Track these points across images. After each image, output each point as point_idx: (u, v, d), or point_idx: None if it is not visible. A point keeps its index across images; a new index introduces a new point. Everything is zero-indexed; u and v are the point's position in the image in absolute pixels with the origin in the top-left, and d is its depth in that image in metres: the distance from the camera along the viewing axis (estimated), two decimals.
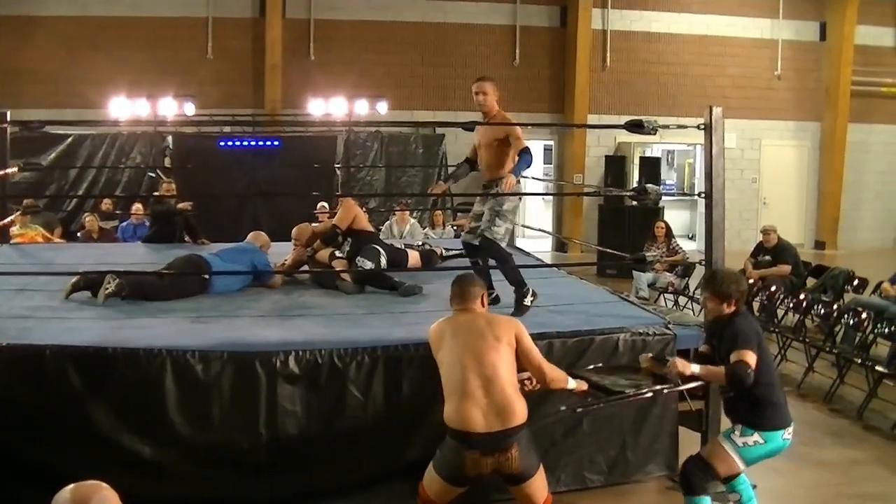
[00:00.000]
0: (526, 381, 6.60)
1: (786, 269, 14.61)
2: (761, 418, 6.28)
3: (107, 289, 8.54)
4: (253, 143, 19.77)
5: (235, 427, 7.06)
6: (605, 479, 7.79)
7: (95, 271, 8.94)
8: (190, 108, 19.59)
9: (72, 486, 3.23)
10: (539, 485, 6.22)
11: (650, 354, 7.01)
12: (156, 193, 14.82)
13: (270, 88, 21.59)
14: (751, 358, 6.12)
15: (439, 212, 18.83)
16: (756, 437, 6.27)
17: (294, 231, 10.66)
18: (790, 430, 6.34)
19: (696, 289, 14.07)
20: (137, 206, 16.51)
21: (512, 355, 6.29)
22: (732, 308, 6.46)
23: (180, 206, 13.71)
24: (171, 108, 19.33)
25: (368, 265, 9.72)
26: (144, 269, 9.45)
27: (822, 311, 12.09)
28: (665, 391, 6.75)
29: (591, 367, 7.28)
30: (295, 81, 21.58)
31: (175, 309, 8.49)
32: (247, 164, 18.73)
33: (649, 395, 6.73)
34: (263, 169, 18.75)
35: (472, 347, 6.21)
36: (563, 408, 6.49)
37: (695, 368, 6.34)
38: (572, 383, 6.58)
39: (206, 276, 9.16)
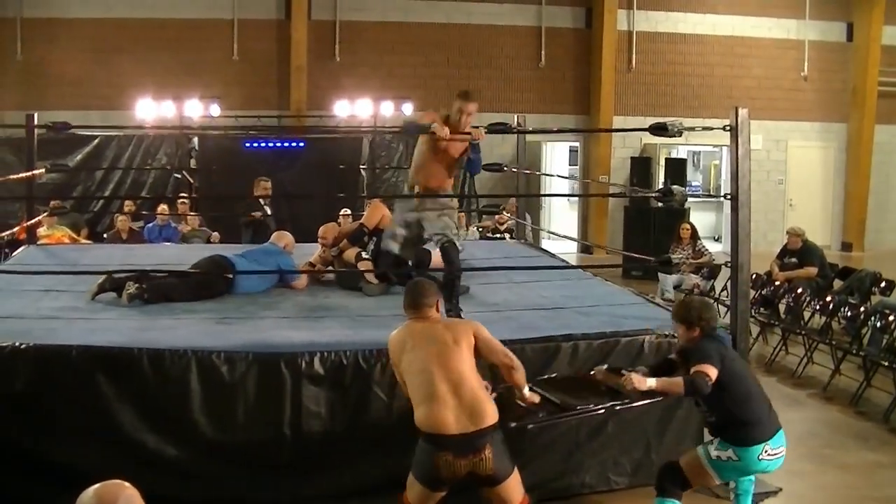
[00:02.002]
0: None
1: (812, 270, 14.54)
2: (734, 434, 6.35)
3: (128, 290, 8.58)
4: (278, 144, 19.79)
5: (260, 428, 7.08)
6: (629, 480, 7.77)
7: (122, 271, 8.96)
8: (215, 110, 19.64)
9: (96, 485, 3.23)
10: (514, 487, 6.19)
11: (605, 366, 7.00)
12: (256, 194, 14.85)
13: (296, 90, 21.65)
14: (710, 370, 6.23)
15: (462, 213, 18.81)
16: (730, 452, 6.34)
17: (321, 230, 10.66)
18: (773, 449, 6.32)
19: (721, 290, 14.03)
20: (163, 207, 16.57)
21: (472, 356, 6.28)
22: (696, 333, 6.57)
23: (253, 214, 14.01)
24: (197, 109, 19.38)
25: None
26: (170, 269, 9.47)
27: (849, 313, 12.01)
28: (618, 408, 6.76)
29: (548, 377, 7.18)
30: (320, 83, 21.63)
31: (200, 310, 8.52)
32: (272, 165, 18.76)
33: (600, 411, 6.77)
34: (288, 170, 18.77)
35: (435, 354, 6.18)
36: (512, 424, 6.41)
37: (651, 382, 6.38)
38: (527, 391, 6.56)
39: (231, 277, 9.18)
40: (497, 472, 6.04)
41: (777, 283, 13.95)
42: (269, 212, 14.79)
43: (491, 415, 6.04)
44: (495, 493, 6.17)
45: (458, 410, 5.98)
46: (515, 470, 6.21)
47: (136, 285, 8.61)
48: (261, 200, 14.81)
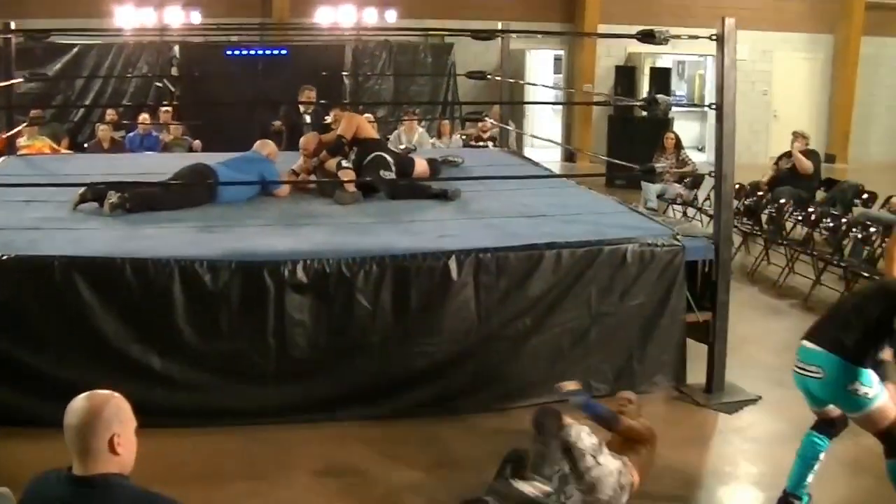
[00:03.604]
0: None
1: (809, 166, 14.53)
2: None
3: (110, 199, 8.52)
4: (260, 52, 19.62)
5: (244, 336, 7.12)
6: (610, 388, 7.81)
7: (103, 182, 8.90)
8: (197, 17, 19.40)
9: (84, 395, 3.25)
10: None
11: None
12: (300, 101, 14.72)
13: None
14: None
15: (447, 121, 18.76)
16: None
17: (302, 141, 10.65)
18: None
19: (704, 200, 14.04)
20: (144, 117, 16.44)
21: None
22: None
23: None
24: (178, 17, 19.14)
25: (390, 175, 9.72)
26: (152, 178, 9.42)
27: (831, 224, 12.07)
28: None
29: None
30: None
31: (183, 219, 8.48)
32: (254, 73, 18.61)
33: None
34: (271, 78, 18.61)
35: None
36: None
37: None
38: None
39: (214, 185, 9.14)
40: None
41: (759, 193, 13.98)
42: (308, 120, 14.60)
43: None
44: None
45: None
46: None
47: (119, 194, 8.56)
48: (301, 108, 14.67)
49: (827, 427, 5.96)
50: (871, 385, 5.49)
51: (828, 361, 5.57)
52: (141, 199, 8.73)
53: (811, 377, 5.69)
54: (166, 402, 6.86)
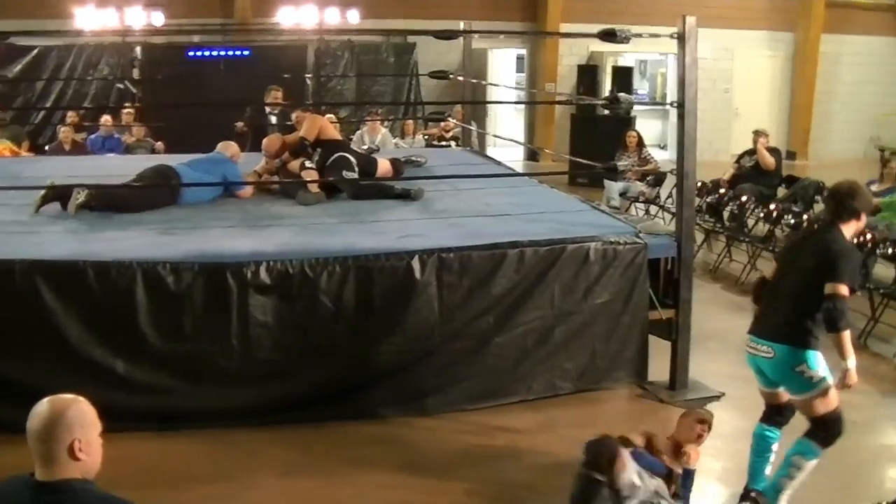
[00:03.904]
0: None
1: (772, 162, 14.60)
2: None
3: (77, 198, 8.47)
4: (222, 52, 19.54)
5: (207, 339, 7.08)
6: (574, 385, 7.86)
7: (65, 184, 8.85)
8: (158, 18, 19.30)
9: (47, 399, 3.24)
10: None
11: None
12: (266, 102, 14.65)
13: None
14: None
15: (410, 121, 18.77)
16: None
17: (264, 142, 10.62)
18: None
19: (667, 198, 14.10)
20: (106, 118, 16.34)
21: None
22: None
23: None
24: (140, 18, 19.03)
25: (352, 175, 9.73)
26: (115, 180, 9.37)
27: (792, 220, 12.13)
28: None
29: None
30: None
31: (145, 221, 8.43)
32: (216, 73, 18.54)
33: None
34: (233, 79, 18.54)
35: None
36: None
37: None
38: None
39: (178, 187, 9.11)
40: None
41: (721, 191, 14.05)
42: (273, 121, 14.54)
43: None
44: None
45: None
46: None
47: (86, 191, 8.50)
48: (267, 108, 14.61)
49: (776, 416, 6.13)
50: (817, 368, 5.69)
51: (776, 345, 5.80)
52: (106, 200, 8.69)
53: (762, 356, 5.91)
54: (131, 406, 6.81)
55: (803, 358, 5.70)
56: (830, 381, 5.74)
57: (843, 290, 5.58)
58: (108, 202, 8.69)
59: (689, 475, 5.93)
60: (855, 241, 9.98)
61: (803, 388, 5.77)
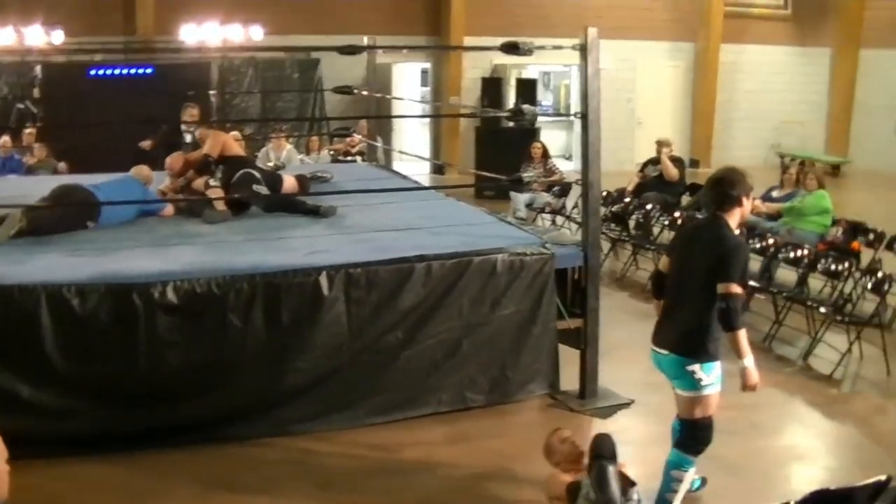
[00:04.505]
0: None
1: (675, 172, 14.79)
2: None
3: (19, 224, 8.28)
4: (125, 71, 19.31)
5: (115, 360, 7.00)
6: (486, 398, 7.90)
7: None
8: (59, 36, 19.01)
9: None
10: None
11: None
12: (183, 120, 14.41)
13: (142, 13, 21.05)
14: None
15: (315, 137, 18.72)
16: None
17: (167, 161, 10.56)
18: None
19: (573, 208, 14.21)
20: (5, 139, 16.06)
21: None
22: None
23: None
24: (40, 36, 18.74)
25: (263, 189, 9.69)
26: (19, 202, 9.20)
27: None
28: None
29: None
30: (168, 6, 21.05)
31: (53, 242, 8.29)
32: (119, 92, 18.32)
33: None
34: (137, 97, 18.33)
35: None
36: None
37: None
38: None
39: (95, 209, 8.93)
40: None
41: (627, 200, 14.19)
42: (188, 139, 14.33)
43: None
44: None
45: None
46: None
47: (23, 218, 8.32)
48: (182, 126, 14.43)
49: None
50: (708, 374, 5.85)
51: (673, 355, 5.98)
52: (36, 224, 8.51)
53: (660, 353, 6.06)
54: (38, 431, 6.70)
55: (698, 361, 5.84)
56: (716, 390, 5.89)
57: (736, 288, 5.69)
58: (37, 226, 8.51)
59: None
60: (759, 245, 10.24)
61: (688, 387, 5.90)
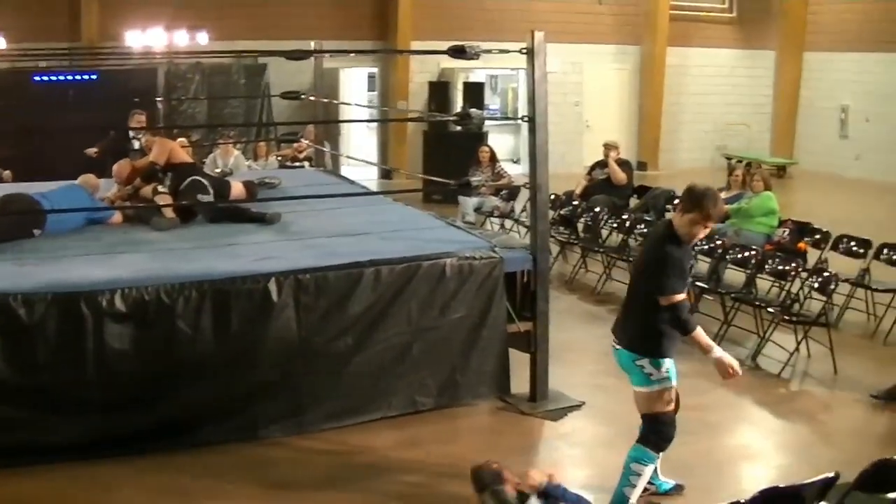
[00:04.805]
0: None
1: (623, 176, 14.86)
2: None
3: None
4: (70, 77, 19.14)
5: (63, 369, 6.94)
6: (435, 401, 7.91)
7: None
8: (1, 42, 18.82)
9: None
10: None
11: None
12: (130, 126, 14.27)
13: (87, 19, 20.87)
14: None
15: (263, 143, 18.64)
16: None
17: (114, 168, 10.51)
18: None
19: (521, 212, 14.24)
20: None
21: None
22: None
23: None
24: None
25: (207, 198, 9.63)
26: None
27: (645, 230, 12.35)
28: None
29: None
30: (113, 12, 20.89)
31: None
32: (65, 98, 18.15)
33: None
34: (82, 104, 18.17)
35: None
36: None
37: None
38: None
39: (41, 217, 8.84)
40: None
41: (575, 203, 14.25)
42: (136, 146, 14.20)
43: None
44: None
45: None
46: None
47: None
48: (130, 133, 14.30)
49: None
50: (657, 369, 5.95)
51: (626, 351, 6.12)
52: None
53: (617, 347, 6.19)
54: None
55: (647, 357, 5.96)
56: (667, 386, 5.99)
57: (676, 298, 5.81)
58: None
59: (560, 490, 5.86)
60: (707, 246, 10.29)
61: (639, 382, 6.03)
